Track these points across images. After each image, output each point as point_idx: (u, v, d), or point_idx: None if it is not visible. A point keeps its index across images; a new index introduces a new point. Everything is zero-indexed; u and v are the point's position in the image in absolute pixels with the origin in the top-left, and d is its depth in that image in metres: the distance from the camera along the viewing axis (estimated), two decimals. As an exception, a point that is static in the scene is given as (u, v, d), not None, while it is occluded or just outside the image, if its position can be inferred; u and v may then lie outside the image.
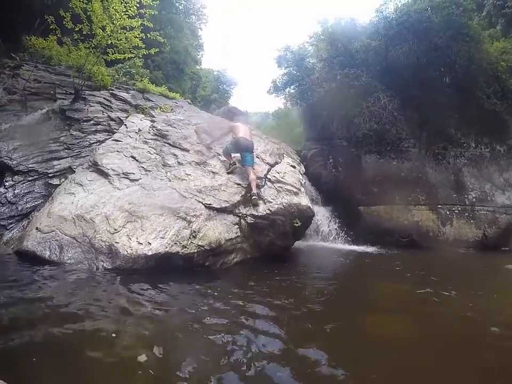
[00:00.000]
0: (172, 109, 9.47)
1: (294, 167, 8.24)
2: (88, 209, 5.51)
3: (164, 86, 11.97)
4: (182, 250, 5.19)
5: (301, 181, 7.85)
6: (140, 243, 5.02)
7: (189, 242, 5.32)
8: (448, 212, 11.19)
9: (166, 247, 5.08)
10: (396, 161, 11.15)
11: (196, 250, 5.34)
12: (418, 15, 11.11)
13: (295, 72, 12.49)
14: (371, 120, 10.50)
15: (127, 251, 4.91)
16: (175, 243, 5.19)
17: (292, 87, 12.83)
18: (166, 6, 13.16)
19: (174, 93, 11.64)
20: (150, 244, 5.04)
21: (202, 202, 5.90)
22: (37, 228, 5.52)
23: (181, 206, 5.65)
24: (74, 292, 4.11)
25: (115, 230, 5.16)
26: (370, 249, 9.74)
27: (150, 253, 4.94)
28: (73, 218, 5.44)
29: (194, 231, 5.45)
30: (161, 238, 5.16)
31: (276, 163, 7.85)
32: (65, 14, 9.03)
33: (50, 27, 9.34)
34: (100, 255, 4.98)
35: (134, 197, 5.68)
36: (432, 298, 4.82)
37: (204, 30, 41.35)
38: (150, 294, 4.17)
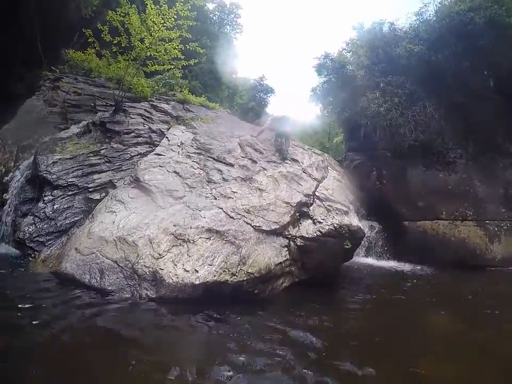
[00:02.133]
0: (212, 120, 8.94)
1: (340, 181, 7.52)
2: (131, 231, 4.97)
3: (203, 96, 11.54)
4: (231, 279, 4.57)
5: (349, 197, 7.14)
6: (187, 270, 4.42)
7: (238, 269, 4.69)
8: (496, 228, 10.04)
9: (215, 276, 4.47)
10: (442, 173, 10.16)
11: (245, 278, 4.70)
12: (460, 17, 10.14)
13: (334, 80, 11.72)
14: (417, 130, 9.61)
15: (172, 279, 4.32)
16: (224, 271, 4.57)
17: (332, 95, 12.03)
18: (201, 17, 12.83)
19: (214, 103, 11.15)
20: (197, 271, 4.43)
21: (251, 224, 5.26)
22: (76, 249, 5.04)
23: (229, 229, 5.02)
24: (117, 324, 3.65)
25: (159, 255, 4.58)
26: (416, 268, 8.87)
27: (197, 282, 4.34)
28: (115, 240, 4.91)
29: (244, 257, 4.81)
30: (209, 265, 4.54)
31: (323, 178, 7.14)
32: (103, 27, 8.68)
33: (89, 40, 9.02)
34: (143, 282, 4.41)
35: (179, 218, 5.10)
36: (488, 337, 4.19)
37: (239, 40, 40.99)
38: (198, 329, 3.73)
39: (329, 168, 7.97)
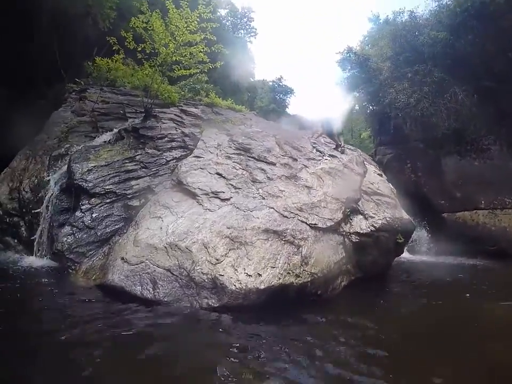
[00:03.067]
0: (241, 121, 8.55)
1: (381, 175, 7.05)
2: (182, 236, 4.53)
3: (229, 99, 11.15)
4: (296, 281, 4.13)
5: (393, 190, 6.65)
6: (249, 275, 3.96)
7: (302, 270, 4.25)
8: None
9: (279, 278, 4.01)
10: (477, 161, 9.55)
11: (309, 279, 4.26)
12: None
13: (359, 74, 11.19)
14: (449, 119, 9.03)
15: (235, 285, 3.86)
16: (288, 272, 4.12)
17: (359, 89, 11.46)
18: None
19: (240, 106, 10.77)
20: (260, 275, 3.98)
21: (306, 222, 4.79)
22: (122, 258, 4.60)
23: (286, 228, 4.56)
24: (183, 341, 3.21)
25: (217, 260, 4.13)
26: (458, 261, 8.37)
27: (262, 286, 3.88)
28: (165, 247, 4.47)
29: (305, 257, 4.35)
30: (271, 267, 4.09)
31: (365, 172, 6.66)
32: (127, 34, 8.30)
33: (113, 48, 8.64)
34: (202, 291, 3.95)
35: (231, 220, 4.65)
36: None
37: (253, 43, 40.10)
38: (272, 339, 3.26)
39: (365, 162, 7.50)
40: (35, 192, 6.77)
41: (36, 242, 6.09)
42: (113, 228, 5.76)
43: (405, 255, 8.65)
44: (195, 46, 8.24)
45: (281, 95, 25.76)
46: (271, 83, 26.73)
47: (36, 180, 6.96)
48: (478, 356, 3.17)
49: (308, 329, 3.54)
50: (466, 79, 9.63)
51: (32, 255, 5.91)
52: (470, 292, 5.61)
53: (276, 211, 4.85)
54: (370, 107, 10.98)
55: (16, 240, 5.91)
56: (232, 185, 5.42)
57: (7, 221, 6.06)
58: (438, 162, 9.64)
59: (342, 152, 7.22)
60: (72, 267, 5.29)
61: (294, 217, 4.80)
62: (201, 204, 5.07)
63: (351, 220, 5.50)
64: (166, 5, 8.18)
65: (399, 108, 9.43)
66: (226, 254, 4.20)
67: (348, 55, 11.19)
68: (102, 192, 6.13)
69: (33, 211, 6.44)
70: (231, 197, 5.17)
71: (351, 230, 5.27)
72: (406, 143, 10.17)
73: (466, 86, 9.49)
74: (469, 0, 9.75)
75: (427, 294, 5.56)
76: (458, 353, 3.18)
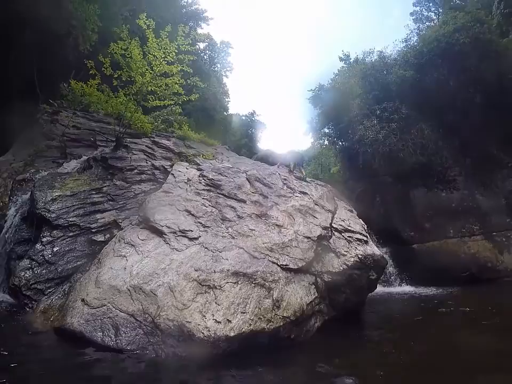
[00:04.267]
0: (213, 156, 8.51)
1: (351, 211, 7.10)
2: (146, 278, 4.27)
3: (202, 132, 11.11)
4: (268, 326, 3.98)
5: (364, 226, 6.69)
6: (218, 321, 3.76)
7: (273, 314, 4.11)
8: (504, 239, 9.86)
9: (250, 324, 3.85)
10: (444, 192, 9.99)
11: (281, 324, 4.13)
12: (447, 39, 10.26)
13: (330, 111, 11.54)
14: (416, 153, 9.44)
15: (203, 333, 3.64)
16: (259, 318, 3.97)
17: (329, 126, 11.79)
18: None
19: (212, 140, 10.78)
20: (229, 321, 3.79)
21: (277, 264, 4.68)
22: (83, 300, 4.26)
23: (256, 271, 4.42)
24: None
25: (184, 305, 3.90)
26: (433, 290, 8.47)
27: (231, 334, 3.70)
28: (129, 289, 4.19)
29: (277, 300, 4.22)
30: (241, 312, 3.91)
31: (336, 209, 6.69)
32: (105, 60, 8.16)
33: (90, 72, 8.45)
34: (168, 339, 3.70)
35: (199, 261, 4.46)
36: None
37: (229, 77, 40.63)
38: None
39: (335, 198, 7.57)
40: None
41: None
42: (75, 264, 5.35)
43: (378, 288, 8.73)
44: (171, 78, 8.23)
45: (253, 130, 25.92)
46: (244, 117, 26.87)
47: (-2, 205, 6.49)
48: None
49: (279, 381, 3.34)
50: (432, 115, 10.19)
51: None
52: (447, 323, 5.69)
53: (246, 251, 4.71)
54: (340, 143, 11.30)
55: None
56: (201, 223, 5.25)
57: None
58: (407, 195, 10.00)
59: (304, 180, 7.66)
60: (30, 305, 4.86)
61: (264, 258, 4.67)
62: (168, 243, 4.86)
63: (323, 258, 5.44)
64: (146, 33, 8.17)
65: (368, 144, 9.79)
66: (193, 298, 3.98)
67: (319, 92, 11.59)
68: (65, 224, 5.75)
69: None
70: (200, 236, 4.99)
71: (323, 269, 5.21)
72: (375, 178, 10.54)
73: (432, 121, 10.05)
74: (435, 40, 10.48)
75: (402, 329, 5.48)
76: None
